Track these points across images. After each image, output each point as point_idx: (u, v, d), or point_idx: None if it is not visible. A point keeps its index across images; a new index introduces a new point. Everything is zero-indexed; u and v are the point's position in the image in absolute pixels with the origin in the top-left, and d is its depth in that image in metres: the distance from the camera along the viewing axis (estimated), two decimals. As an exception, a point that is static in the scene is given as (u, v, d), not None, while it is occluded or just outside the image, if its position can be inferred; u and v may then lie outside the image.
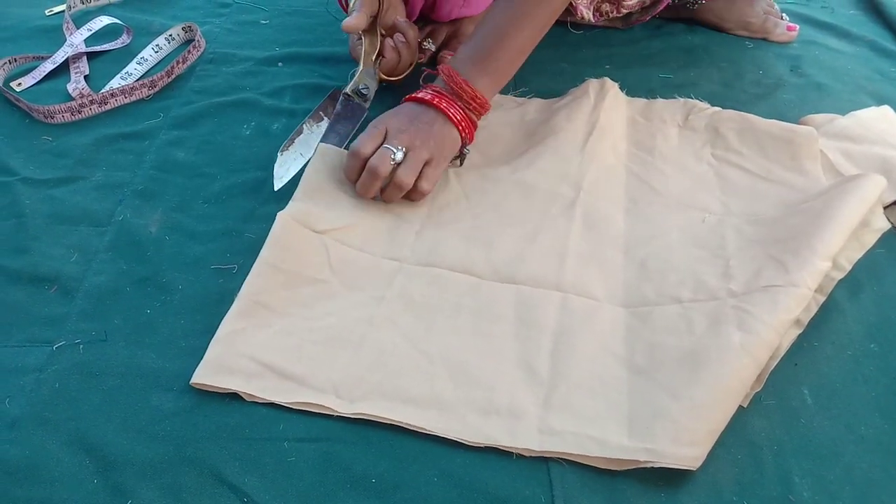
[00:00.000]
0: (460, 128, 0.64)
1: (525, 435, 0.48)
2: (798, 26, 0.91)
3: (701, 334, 0.52)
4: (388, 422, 0.48)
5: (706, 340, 0.51)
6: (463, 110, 0.64)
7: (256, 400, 0.49)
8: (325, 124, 0.71)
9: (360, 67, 0.72)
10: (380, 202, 0.64)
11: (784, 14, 0.92)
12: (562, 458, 0.47)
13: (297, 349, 0.52)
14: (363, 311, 0.55)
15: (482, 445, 0.47)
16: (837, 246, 0.55)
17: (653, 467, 0.46)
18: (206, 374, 0.50)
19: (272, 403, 0.49)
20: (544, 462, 0.47)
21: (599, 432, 0.48)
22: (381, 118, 0.64)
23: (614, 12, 0.88)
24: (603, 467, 0.47)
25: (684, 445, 0.46)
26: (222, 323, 0.53)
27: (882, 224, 0.61)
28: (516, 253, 0.60)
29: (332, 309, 0.55)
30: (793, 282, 0.53)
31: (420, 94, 0.64)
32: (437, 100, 0.63)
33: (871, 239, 0.60)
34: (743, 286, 0.55)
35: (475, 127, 0.66)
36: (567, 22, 0.89)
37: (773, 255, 0.56)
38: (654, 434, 0.47)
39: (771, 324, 0.51)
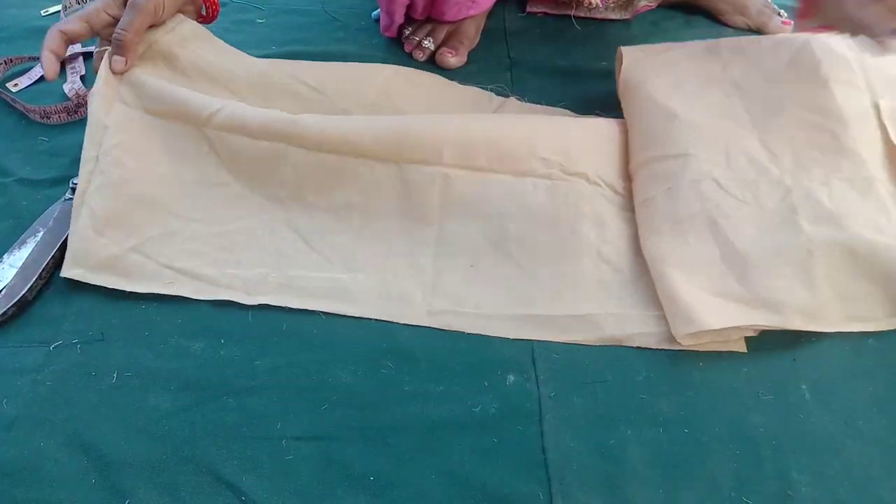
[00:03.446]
0: None
1: (415, 316, 0.55)
2: (793, 21, 0.91)
3: (562, 206, 0.59)
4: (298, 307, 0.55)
5: (564, 215, 0.59)
6: None
7: (143, 291, 0.55)
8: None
9: None
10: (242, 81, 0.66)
11: (781, 10, 0.92)
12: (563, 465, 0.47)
13: (206, 255, 0.57)
14: (263, 216, 0.60)
15: (378, 319, 0.54)
16: None
17: (654, 462, 0.46)
18: (108, 278, 0.56)
19: (270, 401, 0.49)
20: (543, 459, 0.47)
21: (474, 307, 0.55)
22: None
23: None
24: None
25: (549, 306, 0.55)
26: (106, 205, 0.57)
27: None
28: (404, 127, 0.61)
29: (238, 214, 0.60)
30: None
31: None
32: None
33: None
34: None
35: None
36: (571, 16, 0.89)
37: None
38: (530, 301, 0.56)
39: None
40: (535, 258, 0.58)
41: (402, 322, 0.54)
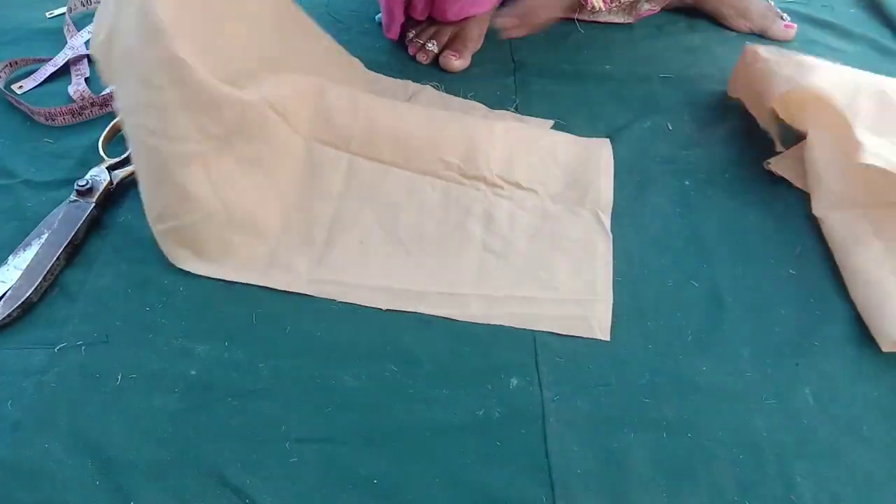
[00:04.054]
0: None
1: (296, 284, 0.57)
2: (796, 25, 0.91)
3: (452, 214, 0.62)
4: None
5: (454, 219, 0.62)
6: None
7: None
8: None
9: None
10: None
11: (784, 14, 0.92)
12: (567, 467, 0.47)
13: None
14: (185, 146, 0.56)
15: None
16: None
17: (658, 466, 0.46)
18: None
19: (274, 404, 0.50)
20: (546, 463, 0.47)
21: (354, 278, 0.57)
22: None
23: None
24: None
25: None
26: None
27: None
28: (321, 100, 0.62)
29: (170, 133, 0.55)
30: None
31: None
32: None
33: None
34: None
35: None
36: (574, 19, 0.89)
37: None
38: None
39: None
40: (423, 248, 0.60)
41: (283, 289, 0.57)
